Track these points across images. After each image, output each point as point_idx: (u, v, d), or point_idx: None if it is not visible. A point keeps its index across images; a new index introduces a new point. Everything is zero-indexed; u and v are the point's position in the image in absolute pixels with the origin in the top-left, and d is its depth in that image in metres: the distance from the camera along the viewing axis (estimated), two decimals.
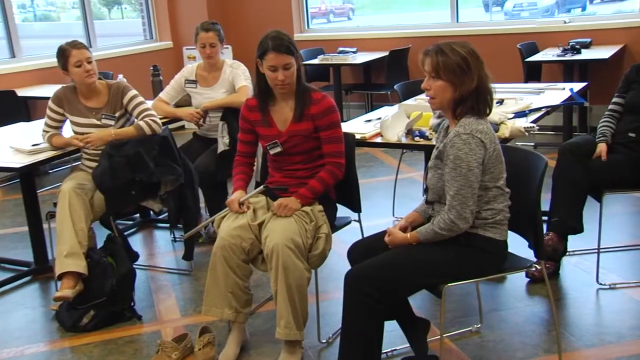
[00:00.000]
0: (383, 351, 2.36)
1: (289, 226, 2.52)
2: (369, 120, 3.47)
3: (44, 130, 3.39)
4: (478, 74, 2.17)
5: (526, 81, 5.40)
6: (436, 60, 2.16)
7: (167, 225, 4.12)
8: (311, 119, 2.66)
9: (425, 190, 2.39)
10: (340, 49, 6.57)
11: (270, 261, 2.49)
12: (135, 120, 3.34)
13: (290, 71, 2.60)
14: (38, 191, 3.70)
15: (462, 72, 2.15)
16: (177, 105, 3.99)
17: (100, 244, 3.26)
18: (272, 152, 2.73)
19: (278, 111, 2.72)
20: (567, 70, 5.37)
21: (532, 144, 5.35)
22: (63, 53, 3.21)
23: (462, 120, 2.20)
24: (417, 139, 2.99)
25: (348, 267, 2.34)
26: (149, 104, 3.47)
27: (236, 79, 3.85)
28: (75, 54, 3.18)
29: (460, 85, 2.16)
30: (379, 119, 3.31)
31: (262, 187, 2.71)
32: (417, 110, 3.18)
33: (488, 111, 2.25)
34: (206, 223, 3.30)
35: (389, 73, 6.16)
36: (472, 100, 2.18)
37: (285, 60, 2.58)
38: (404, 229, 2.37)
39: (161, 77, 4.56)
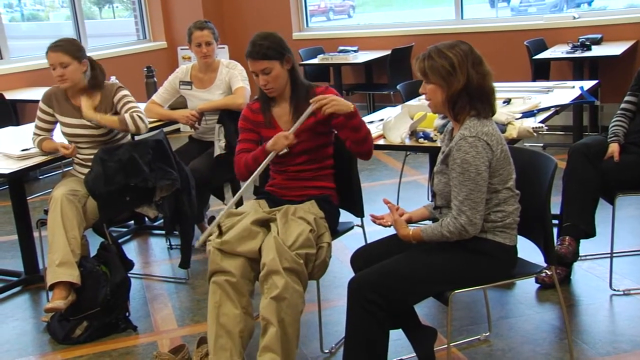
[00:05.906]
0: None
1: (290, 240, 2.39)
2: (371, 122, 3.44)
3: (34, 134, 3.33)
4: (467, 73, 2.16)
5: (534, 80, 5.38)
6: (423, 65, 2.22)
7: (163, 232, 4.09)
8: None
9: (433, 196, 2.36)
10: (341, 47, 6.53)
11: (263, 286, 2.35)
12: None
13: (270, 75, 2.58)
14: (28, 198, 3.66)
15: (447, 73, 2.18)
16: (172, 108, 3.94)
17: (93, 252, 3.21)
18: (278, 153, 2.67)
19: (279, 112, 2.69)
20: (577, 68, 5.32)
21: (541, 144, 5.32)
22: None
23: (466, 122, 2.19)
24: (421, 140, 2.98)
25: (351, 274, 2.32)
26: (142, 106, 3.42)
27: (233, 80, 3.79)
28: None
29: (448, 87, 2.18)
30: (382, 120, 3.30)
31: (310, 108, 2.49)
32: (421, 111, 3.15)
33: (492, 112, 2.24)
34: (213, 226, 3.20)
35: (392, 72, 6.11)
36: (464, 99, 2.18)
37: (262, 66, 2.57)
38: (408, 221, 2.38)
39: (155, 79, 4.53)
